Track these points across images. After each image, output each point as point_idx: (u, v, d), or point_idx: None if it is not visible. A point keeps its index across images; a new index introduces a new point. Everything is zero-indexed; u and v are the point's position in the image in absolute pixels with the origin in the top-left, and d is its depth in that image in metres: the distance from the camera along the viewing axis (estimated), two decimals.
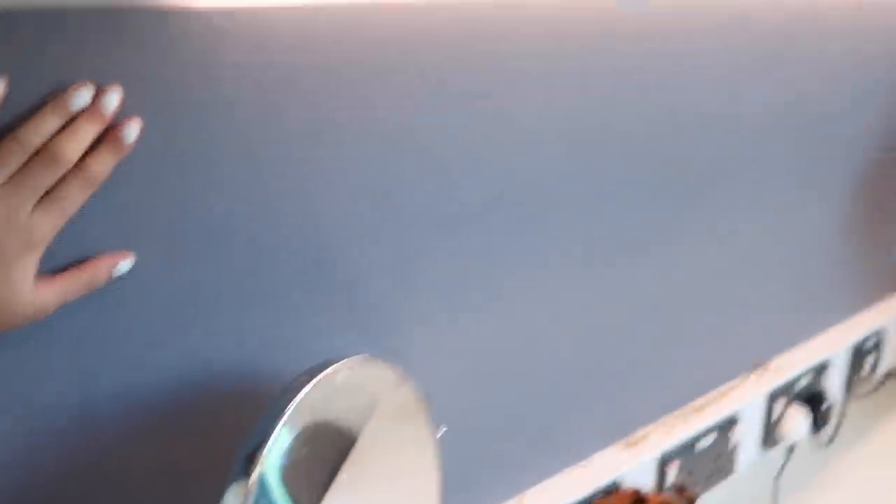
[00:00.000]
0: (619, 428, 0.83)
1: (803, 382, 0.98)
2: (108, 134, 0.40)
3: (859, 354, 1.08)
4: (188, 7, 0.42)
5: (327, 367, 0.43)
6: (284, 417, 0.40)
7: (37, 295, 0.39)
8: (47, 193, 0.38)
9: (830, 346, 1.04)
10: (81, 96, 0.39)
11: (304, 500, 0.43)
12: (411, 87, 0.53)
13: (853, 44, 0.93)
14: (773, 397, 0.94)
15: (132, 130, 0.40)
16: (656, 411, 0.86)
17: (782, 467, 1.02)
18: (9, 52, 0.37)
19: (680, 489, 0.78)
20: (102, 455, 0.46)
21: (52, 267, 0.41)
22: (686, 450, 0.84)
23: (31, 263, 0.39)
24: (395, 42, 0.52)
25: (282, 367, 0.52)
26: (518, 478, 0.74)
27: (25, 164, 0.38)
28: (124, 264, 0.43)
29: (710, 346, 0.91)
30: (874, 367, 1.12)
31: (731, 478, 0.92)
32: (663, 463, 0.82)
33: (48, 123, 0.38)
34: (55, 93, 0.38)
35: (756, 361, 0.98)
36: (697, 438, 0.85)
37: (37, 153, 0.38)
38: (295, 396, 0.41)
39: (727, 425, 0.88)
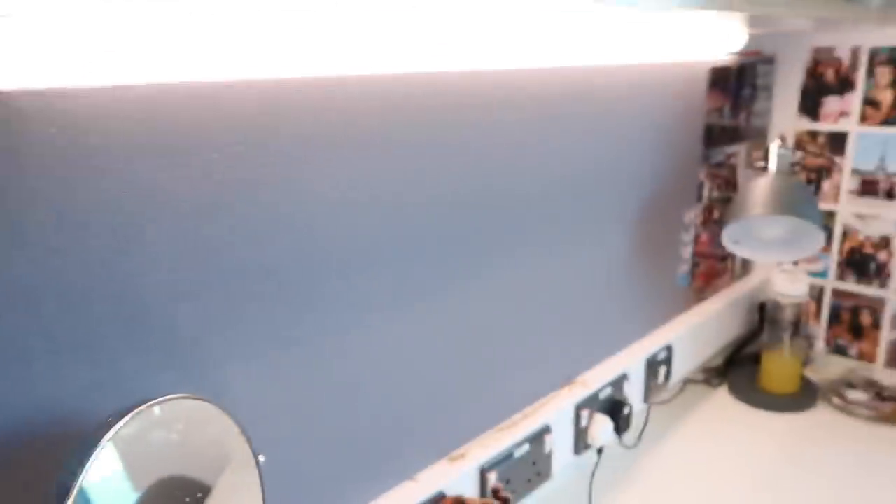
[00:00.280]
0: (442, 445, 0.94)
1: (606, 392, 1.15)
2: None
3: (653, 366, 1.26)
4: None
5: (141, 405, 0.49)
6: (94, 455, 0.45)
7: None
8: None
9: (628, 361, 1.22)
10: None
11: None
12: (213, 164, 0.62)
13: (623, 106, 1.13)
14: (579, 407, 1.09)
15: None
16: (479, 427, 0.98)
17: (594, 469, 1.18)
18: None
19: (495, 492, 0.89)
20: None
21: None
22: (505, 459, 0.96)
23: None
24: (193, 121, 0.60)
25: (100, 407, 0.58)
26: (350, 499, 0.82)
27: None
28: None
29: (527, 367, 1.05)
30: (667, 375, 1.31)
31: (550, 481, 1.06)
32: (483, 472, 0.93)
33: None
34: None
35: (567, 377, 1.14)
36: (515, 447, 0.98)
37: None
38: (105, 433, 0.47)
39: (541, 435, 1.02)
